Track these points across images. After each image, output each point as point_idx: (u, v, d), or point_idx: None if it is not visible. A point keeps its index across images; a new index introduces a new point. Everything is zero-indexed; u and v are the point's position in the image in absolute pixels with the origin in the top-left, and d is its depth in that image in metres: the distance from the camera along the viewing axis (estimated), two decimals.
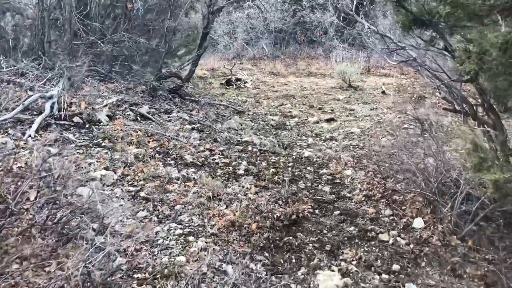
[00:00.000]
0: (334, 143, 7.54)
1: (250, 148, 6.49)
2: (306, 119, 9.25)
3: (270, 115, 9.59)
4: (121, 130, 5.51)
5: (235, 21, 19.66)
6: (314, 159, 6.44)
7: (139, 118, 6.21)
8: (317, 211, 4.68)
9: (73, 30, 7.17)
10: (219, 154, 5.82)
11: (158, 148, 5.52)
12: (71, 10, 6.98)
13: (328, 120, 9.11)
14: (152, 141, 5.59)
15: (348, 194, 5.19)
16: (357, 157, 6.60)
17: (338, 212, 4.69)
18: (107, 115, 5.89)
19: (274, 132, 8.19)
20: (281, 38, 20.30)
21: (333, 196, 5.12)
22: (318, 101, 10.91)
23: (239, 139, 6.98)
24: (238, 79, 12.85)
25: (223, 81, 12.78)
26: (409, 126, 8.60)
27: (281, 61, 17.32)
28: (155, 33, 7.67)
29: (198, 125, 7.24)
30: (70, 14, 6.97)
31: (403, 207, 4.87)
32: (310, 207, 4.69)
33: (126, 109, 6.36)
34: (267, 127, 8.59)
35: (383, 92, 11.68)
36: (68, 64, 6.41)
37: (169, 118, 6.69)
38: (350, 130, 8.30)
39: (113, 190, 4.20)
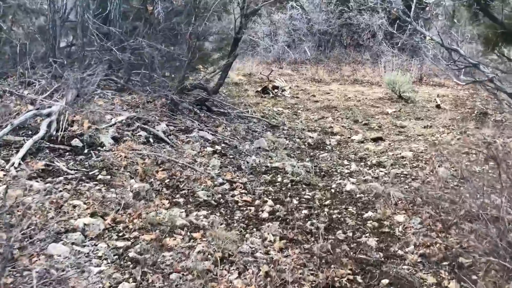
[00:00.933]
0: (381, 171, 6.38)
1: (279, 179, 5.45)
2: (349, 137, 8.11)
3: (308, 130, 8.51)
4: (125, 157, 4.63)
5: (277, 23, 18.64)
6: (357, 195, 5.32)
7: (151, 140, 5.31)
8: (359, 278, 3.59)
9: (87, 35, 6.40)
10: (240, 188, 4.83)
11: (168, 180, 4.58)
12: (84, 13, 6.21)
13: (375, 140, 7.94)
14: (162, 170, 4.66)
15: (399, 252, 4.06)
16: (410, 194, 5.43)
17: (387, 281, 3.58)
18: (113, 137, 5.01)
19: (311, 154, 7.12)
20: (325, 41, 19.10)
21: (381, 254, 4.01)
22: (364, 114, 9.72)
23: (268, 165, 5.96)
24: (275, 87, 11.82)
25: (259, 89, 11.79)
26: (470, 150, 7.31)
27: (324, 66, 16.14)
28: (180, 39, 6.78)
29: (222, 145, 6.28)
30: (83, 18, 6.20)
31: (474, 277, 3.70)
32: (350, 271, 3.62)
33: (138, 128, 5.47)
34: (303, 146, 7.52)
35: (438, 106, 10.32)
36: (77, 74, 5.63)
37: (188, 139, 5.76)
38: (400, 154, 7.10)
39: (96, 245, 3.29)
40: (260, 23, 18.65)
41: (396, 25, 16.84)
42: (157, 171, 4.62)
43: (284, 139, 7.75)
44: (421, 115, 9.62)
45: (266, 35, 18.50)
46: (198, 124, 6.60)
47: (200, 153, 5.53)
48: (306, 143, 7.68)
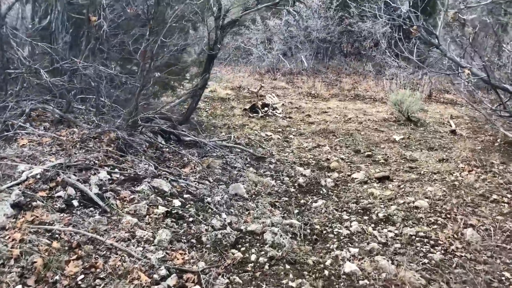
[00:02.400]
0: (390, 231, 4.92)
1: (253, 257, 3.97)
2: (349, 175, 6.65)
3: (300, 164, 7.05)
4: (21, 240, 3.16)
5: (272, 29, 17.20)
6: (360, 281, 3.85)
7: (75, 203, 3.84)
8: None
9: (7, 53, 4.94)
10: (193, 283, 3.34)
11: (81, 277, 3.11)
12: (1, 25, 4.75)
13: (381, 180, 6.47)
14: (75, 259, 3.18)
15: None
16: (430, 274, 3.98)
17: None
18: (15, 204, 3.54)
19: (302, 201, 5.66)
20: (324, 49, 17.66)
21: None
22: (367, 142, 8.25)
23: (241, 227, 4.49)
24: (265, 105, 10.36)
25: (247, 107, 10.33)
26: (501, 198, 5.87)
27: (322, 78, 14.67)
28: (133, 59, 5.33)
29: (184, 197, 4.80)
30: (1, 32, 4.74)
31: None
32: None
33: (60, 184, 4.00)
34: (292, 189, 6.06)
35: (454, 132, 8.84)
36: None
37: (133, 196, 4.28)
38: (413, 202, 5.64)
39: None
40: (253, 30, 17.22)
41: (402, 32, 15.44)
42: (67, 262, 3.14)
43: (269, 179, 6.29)
44: (434, 144, 8.15)
45: (260, 43, 17.05)
46: (155, 168, 5.12)
47: (146, 217, 4.05)
48: (296, 185, 6.22)
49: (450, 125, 9.36)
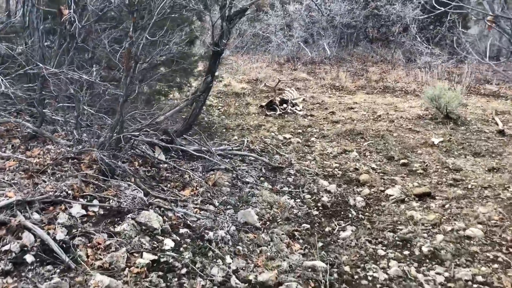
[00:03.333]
0: (439, 273, 3.89)
1: None
2: (382, 191, 5.60)
3: (324, 176, 6.03)
4: None
5: (292, 14, 16.01)
6: None
7: (29, 259, 2.93)
8: None
9: None
10: None
11: None
12: None
13: (421, 197, 5.42)
14: None
15: None
16: None
17: None
18: None
19: (327, 231, 4.66)
20: (348, 35, 16.40)
21: None
22: (401, 146, 7.15)
23: (249, 280, 3.51)
24: (284, 101, 9.31)
25: (264, 104, 9.30)
26: None
27: (346, 68, 13.48)
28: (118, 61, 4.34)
29: (180, 234, 3.85)
30: None
31: None
32: None
33: (16, 229, 3.09)
34: (314, 212, 5.06)
35: (502, 132, 7.65)
36: None
37: (110, 242, 3.35)
38: (464, 230, 4.58)
39: None
40: (272, 15, 16.05)
41: (434, 15, 14.09)
42: None
43: (287, 197, 5.31)
44: (480, 148, 6.99)
45: (280, 29, 15.89)
46: (146, 194, 4.18)
47: (125, 272, 3.11)
48: (319, 205, 5.21)
49: (496, 123, 8.15)
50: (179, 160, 5.48)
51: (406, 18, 14.11)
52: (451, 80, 11.14)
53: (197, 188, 4.87)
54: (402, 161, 6.54)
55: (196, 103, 5.29)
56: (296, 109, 9.19)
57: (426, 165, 6.39)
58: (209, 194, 4.88)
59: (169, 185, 4.73)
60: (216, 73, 9.84)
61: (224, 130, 7.79)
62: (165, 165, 5.08)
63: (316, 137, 7.66)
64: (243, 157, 6.38)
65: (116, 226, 3.56)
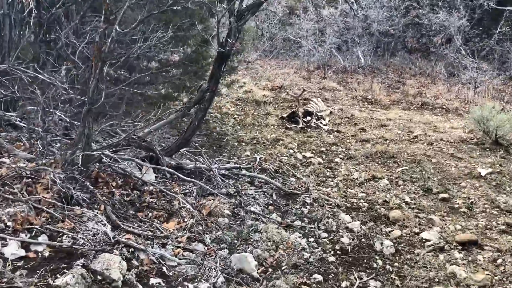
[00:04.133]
0: None
1: None
2: (416, 234, 4.56)
3: (346, 209, 5.03)
4: None
5: (326, 19, 14.99)
6: None
7: None
8: None
9: None
10: None
11: None
12: None
13: (465, 245, 4.36)
14: None
15: None
16: None
17: None
18: None
19: (344, 286, 3.65)
20: (385, 44, 15.25)
21: None
22: (440, 175, 6.06)
23: None
24: (308, 113, 8.33)
25: (285, 115, 8.34)
26: None
27: (381, 79, 12.36)
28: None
29: None
30: None
31: None
32: None
33: None
34: (331, 257, 4.07)
35: None
36: None
37: None
38: None
39: None
40: (304, 19, 15.08)
41: (482, 26, 12.80)
42: None
43: (298, 235, 4.33)
44: None
45: (312, 34, 14.90)
46: (114, 228, 3.29)
47: None
48: (337, 248, 4.22)
49: None
50: (172, 181, 4.58)
51: (450, 28, 12.88)
52: (500, 99, 9.89)
53: (186, 219, 3.96)
54: (441, 195, 5.45)
55: (197, 113, 4.39)
56: (321, 123, 8.19)
57: (471, 202, 5.29)
58: (200, 228, 3.96)
59: (150, 215, 3.83)
60: (237, 78, 8.99)
61: (236, 143, 6.87)
62: (152, 187, 4.19)
63: (341, 158, 6.65)
64: (252, 178, 5.44)
65: (59, 276, 2.68)
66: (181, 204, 4.06)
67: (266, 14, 16.84)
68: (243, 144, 6.86)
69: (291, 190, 5.34)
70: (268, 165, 6.00)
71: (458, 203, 5.27)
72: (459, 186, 5.75)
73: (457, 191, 5.60)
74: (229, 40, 4.04)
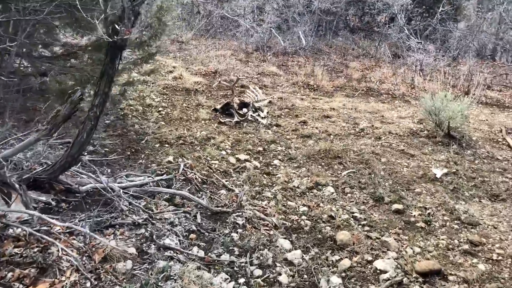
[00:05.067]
0: None
1: None
2: (369, 262, 3.75)
3: (285, 230, 4.15)
4: None
5: None
6: None
7: None
8: None
9: None
10: None
11: None
12: None
13: (427, 276, 3.61)
14: None
15: None
16: None
17: None
18: None
19: None
20: (327, 23, 14.47)
21: None
22: (392, 178, 5.32)
23: None
24: (244, 104, 7.35)
25: (219, 106, 7.32)
26: None
27: (323, 61, 11.55)
28: None
29: None
30: None
31: None
32: None
33: None
34: None
35: None
36: None
37: None
38: None
39: None
40: None
41: (425, 6, 12.26)
42: None
43: (223, 277, 3.39)
44: (497, 186, 5.24)
45: (249, 13, 13.83)
46: None
47: None
48: None
49: (509, 146, 6.42)
50: (54, 215, 3.46)
51: (394, 7, 12.25)
52: (446, 83, 9.37)
53: (67, 274, 2.89)
54: (395, 205, 4.69)
55: (84, 124, 3.28)
56: (259, 115, 7.25)
57: (429, 214, 4.57)
58: (88, 285, 2.90)
59: (9, 276, 2.73)
60: (157, 67, 7.81)
61: (158, 144, 5.79)
62: (19, 230, 3.06)
63: (280, 160, 5.74)
64: (171, 195, 4.41)
65: None
66: (61, 252, 2.98)
67: None
68: (166, 145, 5.78)
69: (220, 207, 4.37)
70: (195, 174, 4.99)
71: (414, 216, 4.53)
72: (413, 192, 5.03)
73: (411, 199, 4.87)
74: (123, 25, 2.94)
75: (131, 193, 4.13)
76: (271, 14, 13.20)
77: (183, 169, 5.04)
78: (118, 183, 4.25)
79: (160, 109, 7.19)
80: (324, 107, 8.02)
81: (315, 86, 9.37)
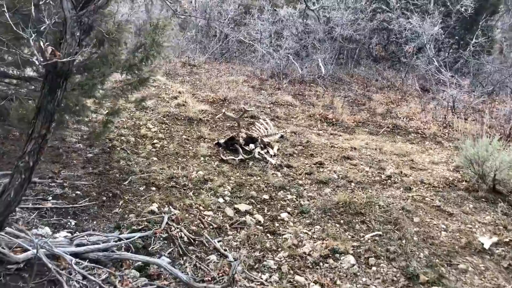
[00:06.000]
0: None
1: None
2: None
3: None
4: None
5: (284, 20, 13.12)
6: None
7: None
8: None
9: None
10: None
11: None
12: None
13: None
14: None
15: None
16: None
17: None
18: None
19: None
20: (349, 51, 13.56)
21: None
22: (427, 246, 4.24)
23: None
24: (251, 139, 6.38)
25: (222, 141, 6.36)
26: None
27: (344, 92, 10.58)
28: None
29: None
30: None
31: None
32: None
33: None
34: None
35: None
36: None
37: None
38: None
39: None
40: (260, 19, 13.16)
41: (457, 36, 11.27)
42: None
43: None
44: None
45: (267, 37, 12.99)
46: None
47: None
48: None
49: None
50: None
51: (423, 36, 11.28)
52: (480, 122, 8.29)
53: None
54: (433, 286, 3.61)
55: (12, 179, 2.35)
56: (267, 152, 6.26)
57: None
58: None
59: None
60: (148, 95, 6.92)
61: (144, 187, 4.82)
62: None
63: (289, 213, 4.72)
64: (144, 263, 3.41)
65: None
66: None
67: (219, 12, 14.86)
68: (153, 189, 4.81)
69: (206, 283, 3.35)
70: (181, 230, 4.00)
71: None
72: (456, 269, 3.94)
73: (455, 278, 3.78)
74: (66, 46, 2.01)
75: (89, 258, 3.14)
76: (289, 39, 12.34)
77: (167, 223, 4.06)
78: (76, 245, 3.28)
79: (156, 141, 6.25)
80: (344, 145, 7.00)
81: (334, 120, 8.36)
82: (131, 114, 7.22)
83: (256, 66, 12.11)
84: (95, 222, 3.96)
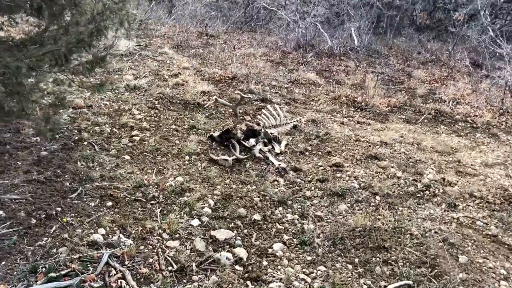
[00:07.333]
0: None
1: None
2: None
3: None
4: None
5: None
6: None
7: None
8: None
9: None
10: None
11: None
12: None
13: None
14: None
15: None
16: None
17: None
18: None
19: None
20: (388, 19, 11.84)
21: None
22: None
23: None
24: (252, 131, 5.10)
25: (216, 134, 5.13)
26: None
27: (379, 68, 9.04)
28: None
29: None
30: None
31: None
32: None
33: None
34: None
35: None
36: None
37: None
38: None
39: None
40: None
41: None
42: None
43: None
44: None
45: (293, 3, 11.47)
46: None
47: None
48: None
49: None
50: None
51: (477, 1, 9.47)
52: None
53: None
54: None
55: None
56: (273, 149, 4.99)
57: None
58: None
59: None
60: (115, 77, 5.75)
61: (96, 202, 3.68)
62: None
63: (285, 243, 3.47)
64: None
65: None
66: None
67: None
68: (109, 204, 3.66)
69: None
70: (123, 277, 2.85)
71: None
72: None
73: None
74: None
75: None
76: (319, 6, 10.78)
77: (106, 263, 2.92)
78: None
79: (135, 132, 5.09)
80: (372, 138, 5.62)
81: (363, 103, 6.94)
82: (118, 96, 6.09)
83: (280, 37, 10.68)
84: (3, 263, 2.86)
